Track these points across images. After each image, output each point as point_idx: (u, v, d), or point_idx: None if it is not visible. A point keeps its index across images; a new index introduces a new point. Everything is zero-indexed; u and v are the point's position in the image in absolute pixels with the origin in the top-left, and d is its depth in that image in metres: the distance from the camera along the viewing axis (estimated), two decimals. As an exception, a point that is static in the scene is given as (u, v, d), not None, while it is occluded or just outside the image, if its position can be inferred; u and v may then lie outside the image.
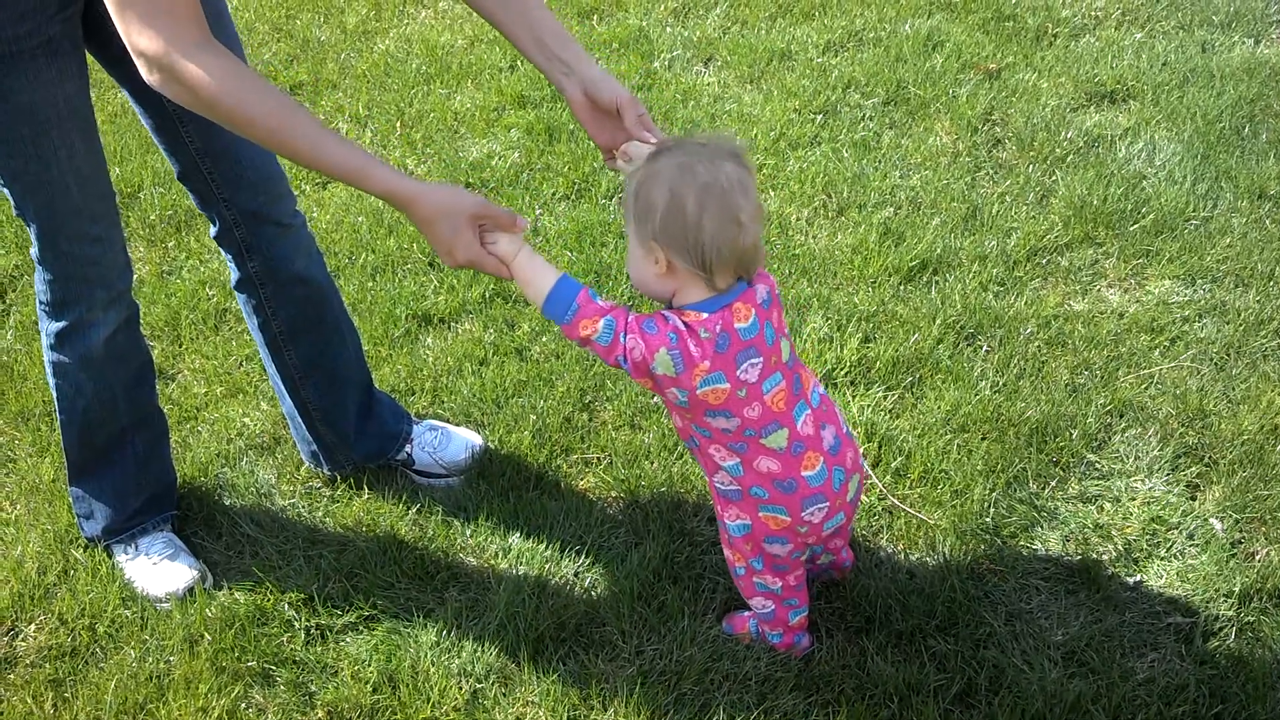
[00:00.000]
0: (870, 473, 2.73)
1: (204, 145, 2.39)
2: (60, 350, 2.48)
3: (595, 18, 4.97)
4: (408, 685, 2.36)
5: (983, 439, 2.82)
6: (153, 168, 4.15)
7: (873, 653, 2.35)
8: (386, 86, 4.61)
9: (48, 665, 2.48)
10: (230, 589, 2.60)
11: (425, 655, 2.41)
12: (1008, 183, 3.74)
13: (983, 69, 4.35)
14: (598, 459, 2.87)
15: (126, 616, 2.57)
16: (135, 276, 3.52)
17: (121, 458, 2.65)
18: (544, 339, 3.24)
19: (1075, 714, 2.22)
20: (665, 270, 1.95)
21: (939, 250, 3.43)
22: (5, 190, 2.26)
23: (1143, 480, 2.71)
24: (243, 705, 2.37)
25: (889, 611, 2.42)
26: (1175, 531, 2.59)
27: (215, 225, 2.54)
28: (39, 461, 2.99)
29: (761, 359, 1.99)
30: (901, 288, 3.32)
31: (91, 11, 2.22)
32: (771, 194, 3.75)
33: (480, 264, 2.04)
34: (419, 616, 2.51)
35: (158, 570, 2.62)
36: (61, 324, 2.45)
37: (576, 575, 2.57)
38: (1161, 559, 2.54)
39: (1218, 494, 2.66)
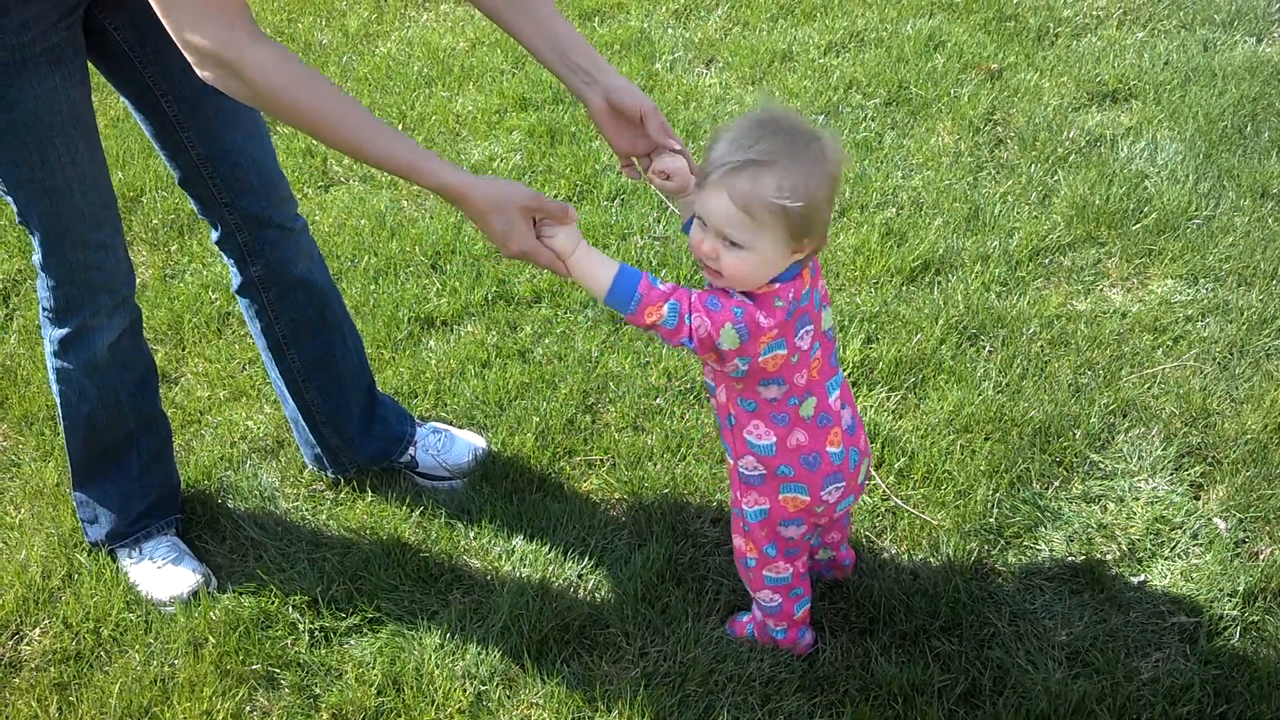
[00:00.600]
0: (873, 473, 2.73)
1: (205, 150, 2.39)
2: (64, 357, 2.49)
3: (597, 19, 4.98)
4: (412, 687, 2.36)
5: (986, 439, 2.82)
6: (155, 172, 4.16)
7: (877, 653, 2.35)
8: (388, 89, 4.62)
9: (52, 669, 2.49)
10: (234, 592, 2.61)
11: (429, 657, 2.41)
12: (1010, 183, 3.74)
13: (984, 69, 4.35)
14: (601, 461, 2.87)
15: (131, 620, 2.57)
16: (138, 281, 3.53)
17: (126, 462, 2.65)
18: (546, 341, 3.24)
19: (1080, 714, 2.22)
20: (803, 254, 1.97)
21: (941, 250, 3.43)
22: (8, 197, 2.26)
23: (1146, 480, 2.71)
24: (247, 708, 2.37)
25: (893, 612, 2.42)
26: (1179, 531, 2.59)
27: (217, 230, 2.54)
28: (43, 466, 2.99)
29: (813, 326, 2.04)
30: (904, 288, 3.32)
31: (91, 20, 2.23)
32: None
33: (535, 255, 2.04)
34: (423, 619, 2.51)
35: (162, 574, 2.62)
36: (65, 330, 2.45)
37: (580, 577, 2.58)
38: (1165, 559, 2.53)
39: (1221, 493, 2.66)
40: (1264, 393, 2.89)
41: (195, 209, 2.55)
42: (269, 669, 2.44)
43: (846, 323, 3.18)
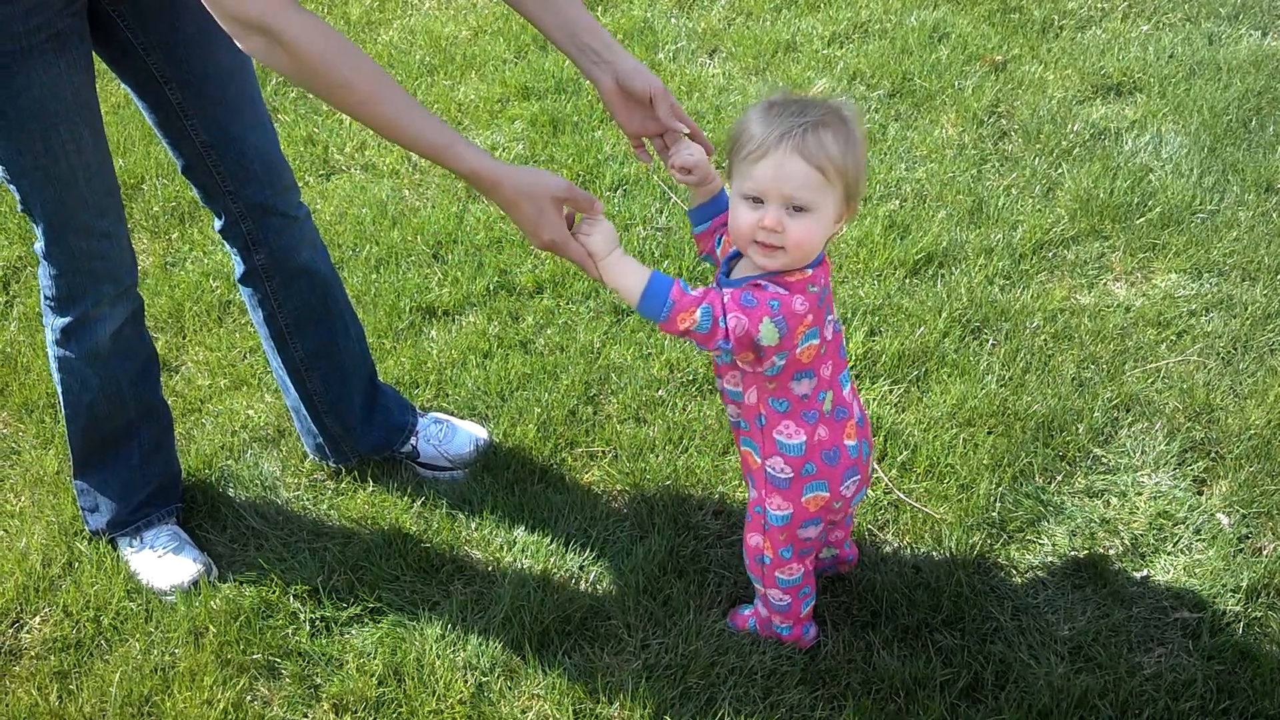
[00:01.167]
0: (876, 466, 2.72)
1: (209, 138, 2.38)
2: (65, 345, 2.48)
3: (600, 9, 4.96)
4: (413, 678, 2.36)
5: (989, 433, 2.81)
6: (156, 159, 4.15)
7: (879, 647, 2.35)
8: (396, 75, 4.59)
9: (52, 657, 2.48)
10: (235, 581, 2.60)
11: (430, 648, 2.41)
12: (1014, 175, 3.73)
13: (989, 61, 4.34)
14: (603, 452, 2.87)
15: (131, 609, 2.57)
16: (139, 269, 3.52)
17: (127, 451, 2.64)
18: (548, 331, 3.23)
19: (1082, 709, 2.22)
20: (843, 221, 2.00)
21: (945, 243, 3.42)
22: (11, 185, 2.25)
23: (1149, 475, 2.70)
24: (248, 698, 2.37)
25: (895, 606, 2.42)
26: (1182, 526, 2.58)
27: (220, 219, 2.53)
28: (43, 454, 2.99)
29: (834, 316, 2.06)
30: (907, 281, 3.31)
31: (95, 7, 2.21)
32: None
33: (565, 247, 2.04)
34: (424, 609, 2.51)
35: (163, 563, 2.62)
36: (67, 319, 2.44)
37: (581, 569, 2.57)
38: (1168, 554, 2.53)
39: (1225, 489, 2.65)
40: (1268, 388, 2.88)
41: (198, 198, 2.54)
42: (270, 658, 2.43)
43: (850, 315, 3.17)
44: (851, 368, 3.00)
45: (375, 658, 2.41)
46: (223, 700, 2.35)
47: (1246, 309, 3.12)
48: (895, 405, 2.92)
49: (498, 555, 2.62)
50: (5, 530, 2.79)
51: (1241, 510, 2.60)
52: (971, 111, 4.04)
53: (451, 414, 2.98)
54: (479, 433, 2.88)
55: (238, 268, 2.62)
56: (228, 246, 2.60)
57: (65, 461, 2.81)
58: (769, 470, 2.15)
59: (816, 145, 1.89)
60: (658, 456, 2.81)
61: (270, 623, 2.50)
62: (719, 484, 2.74)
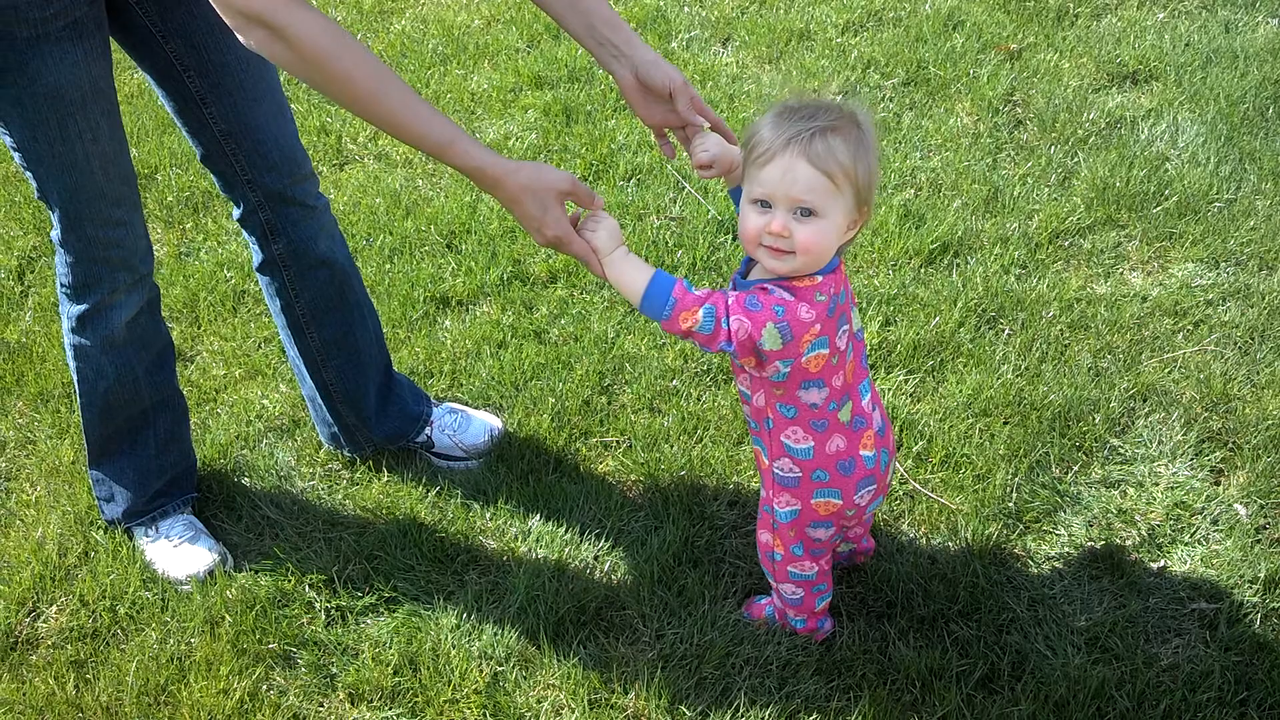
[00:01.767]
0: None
1: (228, 127, 2.38)
2: (81, 333, 2.48)
3: (612, -2, 4.95)
4: (428, 667, 2.36)
5: (1005, 423, 2.80)
6: (170, 149, 4.15)
7: (894, 637, 2.35)
8: (403, 67, 4.60)
9: (69, 646, 2.49)
10: (251, 571, 2.61)
11: (446, 638, 2.41)
12: (1029, 164, 3.71)
13: (1004, 49, 4.32)
14: (617, 442, 2.86)
15: (147, 598, 2.57)
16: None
17: (143, 440, 2.65)
18: (562, 321, 3.23)
19: (1099, 700, 2.21)
20: (855, 229, 1.99)
21: (960, 232, 3.41)
22: (28, 173, 2.25)
23: (1166, 465, 2.69)
24: (264, 687, 2.37)
25: (910, 596, 2.42)
26: (1199, 517, 2.57)
27: (239, 208, 2.53)
28: (58, 443, 2.99)
29: (849, 326, 2.02)
30: (922, 270, 3.30)
31: None
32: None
33: (568, 243, 2.04)
34: (439, 599, 2.51)
35: (178, 552, 2.62)
36: (83, 307, 2.44)
37: (596, 559, 2.57)
38: (1185, 544, 2.52)
39: (1242, 479, 2.64)
40: (1285, 378, 2.87)
41: (217, 186, 2.54)
42: (286, 648, 2.44)
43: (865, 305, 3.16)
44: (867, 357, 2.99)
45: (391, 647, 2.41)
46: (239, 689, 2.35)
47: (1264, 298, 3.11)
48: (911, 395, 2.91)
49: (513, 545, 2.62)
50: (22, 520, 2.79)
51: (1259, 500, 2.58)
52: (986, 100, 4.02)
53: (466, 404, 2.98)
54: (493, 422, 2.88)
55: (255, 256, 2.62)
56: (246, 235, 2.60)
57: (81, 451, 2.82)
58: (776, 471, 2.15)
59: (825, 150, 1.88)
60: (672, 446, 2.81)
61: (286, 612, 2.51)
62: (734, 474, 2.73)
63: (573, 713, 2.27)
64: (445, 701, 2.31)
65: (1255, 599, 2.38)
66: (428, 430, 2.83)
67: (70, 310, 2.47)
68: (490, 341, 3.18)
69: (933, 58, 4.28)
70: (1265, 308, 3.08)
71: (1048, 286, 3.20)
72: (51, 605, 2.59)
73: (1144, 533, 2.54)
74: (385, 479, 2.80)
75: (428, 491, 2.76)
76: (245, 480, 2.85)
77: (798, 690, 2.26)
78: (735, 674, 2.30)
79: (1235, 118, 3.81)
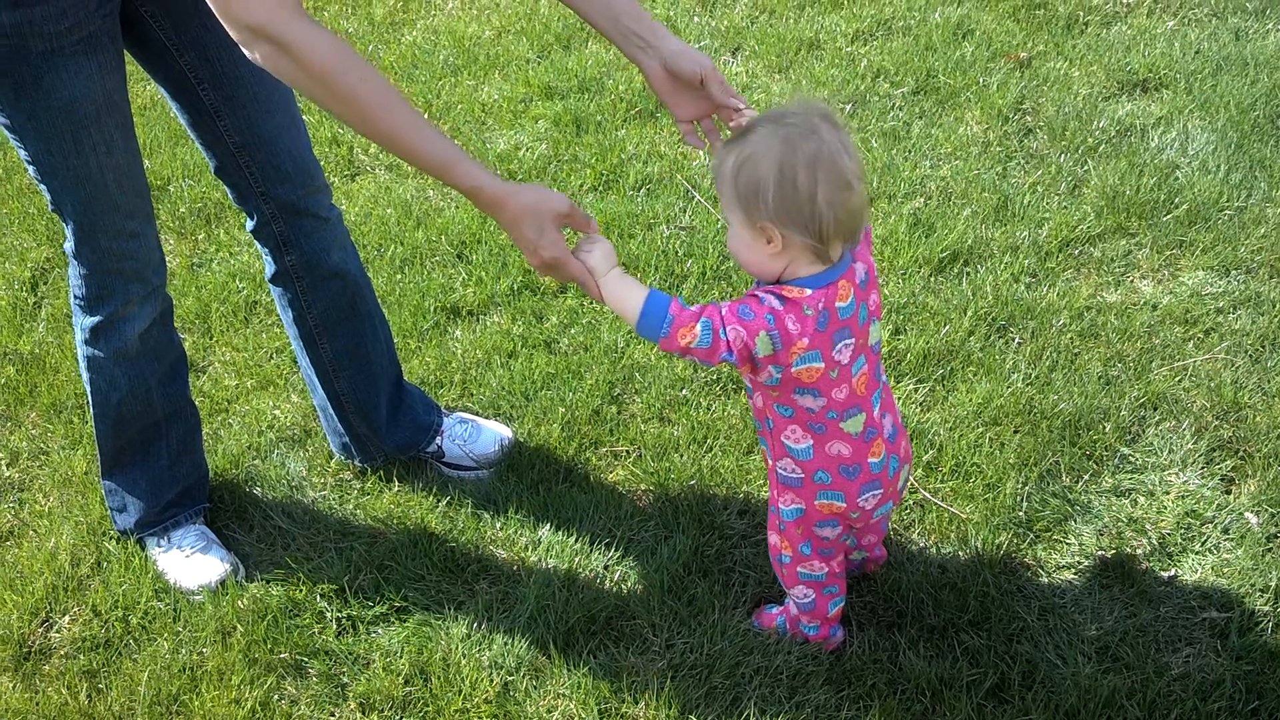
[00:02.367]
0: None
1: (242, 139, 2.39)
2: (94, 345, 2.49)
3: (622, 8, 4.95)
4: (439, 677, 2.37)
5: (1015, 432, 2.80)
6: (182, 160, 4.17)
7: (904, 647, 2.35)
8: (414, 78, 4.61)
9: (82, 656, 2.50)
10: (262, 581, 2.62)
11: (456, 647, 2.42)
12: (1039, 173, 3.71)
13: (1013, 58, 4.32)
14: (627, 452, 2.87)
15: (159, 608, 2.58)
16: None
17: (155, 451, 2.66)
18: (572, 331, 3.24)
19: (1109, 709, 2.21)
20: (780, 248, 1.94)
21: (970, 241, 3.41)
22: (43, 185, 2.27)
23: (1177, 474, 2.69)
24: (275, 697, 2.38)
25: (921, 606, 2.41)
26: (1210, 526, 2.57)
27: (253, 220, 2.55)
28: (71, 454, 3.01)
29: (854, 340, 2.00)
30: (932, 279, 3.30)
31: (128, 8, 2.23)
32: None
33: (565, 265, 2.06)
34: (450, 608, 2.51)
35: (190, 563, 2.64)
36: (96, 319, 2.46)
37: (606, 568, 2.57)
38: (1196, 553, 2.52)
39: (1253, 488, 2.63)
40: (1296, 386, 2.87)
41: (231, 198, 2.55)
42: (297, 657, 2.45)
43: (874, 314, 3.16)
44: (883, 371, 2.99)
45: (402, 657, 2.42)
46: (250, 699, 2.36)
47: (1275, 306, 3.10)
48: (920, 404, 2.91)
49: (523, 555, 2.63)
50: (35, 530, 2.81)
51: (1270, 509, 2.58)
52: (996, 108, 4.02)
53: (476, 414, 2.99)
54: (503, 432, 2.89)
55: (269, 268, 2.63)
56: (259, 246, 2.62)
57: (94, 462, 2.83)
58: (779, 470, 2.16)
59: (720, 159, 1.94)
60: (682, 456, 2.81)
61: (297, 622, 2.52)
62: (743, 483, 2.73)
63: (583, 722, 2.28)
64: (456, 711, 2.31)
65: (1267, 608, 2.38)
66: (438, 440, 2.84)
67: (83, 322, 2.48)
68: (500, 351, 3.19)
69: (942, 66, 4.28)
70: (1276, 316, 3.07)
71: (1058, 295, 3.20)
72: (64, 615, 2.60)
73: (1155, 542, 2.54)
74: (396, 489, 2.81)
75: (438, 501, 2.76)
76: (257, 490, 2.86)
77: (808, 700, 2.26)
78: (745, 683, 2.30)
79: (1246, 125, 3.81)
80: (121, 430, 2.62)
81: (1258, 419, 2.79)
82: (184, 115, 2.42)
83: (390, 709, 2.34)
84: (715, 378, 3.03)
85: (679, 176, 3.81)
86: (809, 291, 1.94)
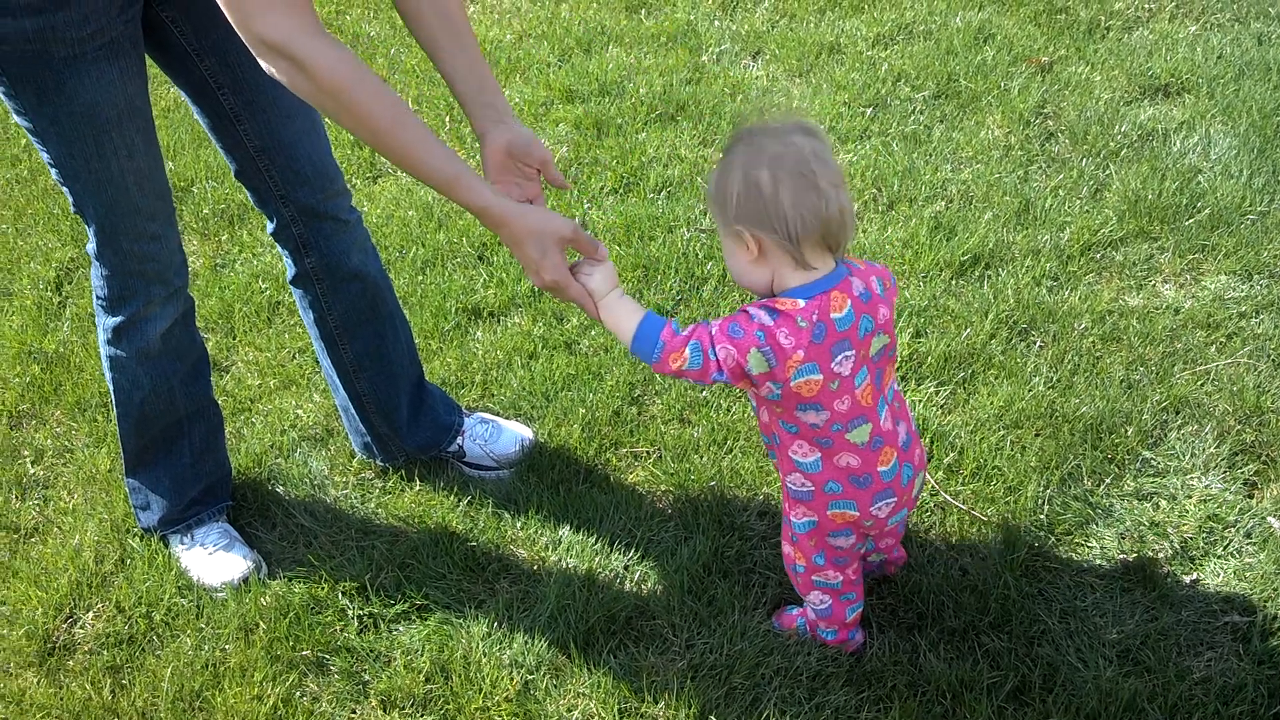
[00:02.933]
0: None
1: (262, 143, 2.40)
2: (117, 345, 2.51)
3: (643, 12, 4.97)
4: (460, 675, 2.38)
5: (1036, 435, 2.79)
6: (205, 162, 4.20)
7: (925, 649, 2.34)
8: (436, 81, 4.63)
9: (105, 652, 2.52)
10: (285, 578, 2.63)
11: (477, 645, 2.43)
12: (1061, 177, 3.71)
13: (1035, 62, 4.31)
14: (647, 453, 2.87)
15: (183, 605, 2.60)
16: (189, 270, 3.57)
17: (178, 449, 2.68)
18: (593, 333, 3.24)
19: (1130, 713, 2.20)
20: (757, 254, 1.96)
21: (991, 244, 3.40)
22: (65, 188, 2.28)
23: (1199, 478, 2.68)
24: (297, 693, 2.39)
25: (941, 608, 2.41)
26: (1232, 530, 2.56)
27: (272, 222, 2.56)
28: (96, 452, 3.03)
29: (854, 352, 1.99)
30: (953, 282, 3.30)
31: (149, 14, 2.24)
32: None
33: (565, 287, 2.09)
34: (470, 607, 2.52)
35: (213, 560, 2.65)
36: (119, 319, 2.47)
37: (626, 569, 2.58)
38: (1218, 557, 2.51)
39: (1275, 492, 2.62)
40: (1320, 391, 2.86)
41: (251, 201, 2.57)
42: (319, 654, 2.46)
43: (896, 316, 3.15)
44: (897, 369, 2.99)
45: (423, 654, 2.43)
46: (272, 696, 2.37)
47: (1298, 311, 3.10)
48: (941, 407, 2.91)
49: (543, 554, 2.63)
50: (59, 527, 2.83)
51: (1293, 514, 2.57)
52: (1018, 113, 4.02)
53: (497, 414, 3.00)
54: (524, 433, 2.90)
55: (289, 270, 2.64)
56: (280, 249, 2.63)
57: (117, 460, 2.85)
58: (789, 485, 2.16)
59: (710, 175, 2.00)
60: (702, 457, 2.82)
61: (319, 619, 2.53)
62: (763, 485, 2.74)
63: (603, 721, 2.29)
64: (476, 709, 2.32)
65: (1289, 612, 2.37)
66: (459, 440, 2.85)
67: (106, 322, 2.50)
68: (521, 352, 3.20)
69: (963, 71, 4.28)
70: (1299, 320, 3.06)
71: (1079, 298, 3.20)
72: (88, 611, 2.62)
73: (1176, 545, 2.53)
74: (417, 488, 2.82)
75: (459, 501, 2.77)
76: (279, 489, 2.87)
77: (828, 701, 2.26)
78: (765, 684, 2.30)
79: (1268, 130, 3.79)
80: (144, 429, 2.64)
81: (1280, 423, 2.78)
82: (205, 119, 2.43)
83: (411, 706, 2.35)
84: (736, 380, 3.04)
85: (699, 179, 3.82)
86: (802, 303, 1.94)
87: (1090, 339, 3.06)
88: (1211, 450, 2.73)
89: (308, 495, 2.85)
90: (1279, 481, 2.64)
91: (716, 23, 4.83)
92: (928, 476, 2.70)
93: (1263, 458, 2.72)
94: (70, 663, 2.51)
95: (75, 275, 3.76)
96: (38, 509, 2.90)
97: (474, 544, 2.67)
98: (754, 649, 2.35)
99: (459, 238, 3.66)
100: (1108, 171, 3.71)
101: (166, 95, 4.61)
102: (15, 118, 2.19)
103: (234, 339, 3.40)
